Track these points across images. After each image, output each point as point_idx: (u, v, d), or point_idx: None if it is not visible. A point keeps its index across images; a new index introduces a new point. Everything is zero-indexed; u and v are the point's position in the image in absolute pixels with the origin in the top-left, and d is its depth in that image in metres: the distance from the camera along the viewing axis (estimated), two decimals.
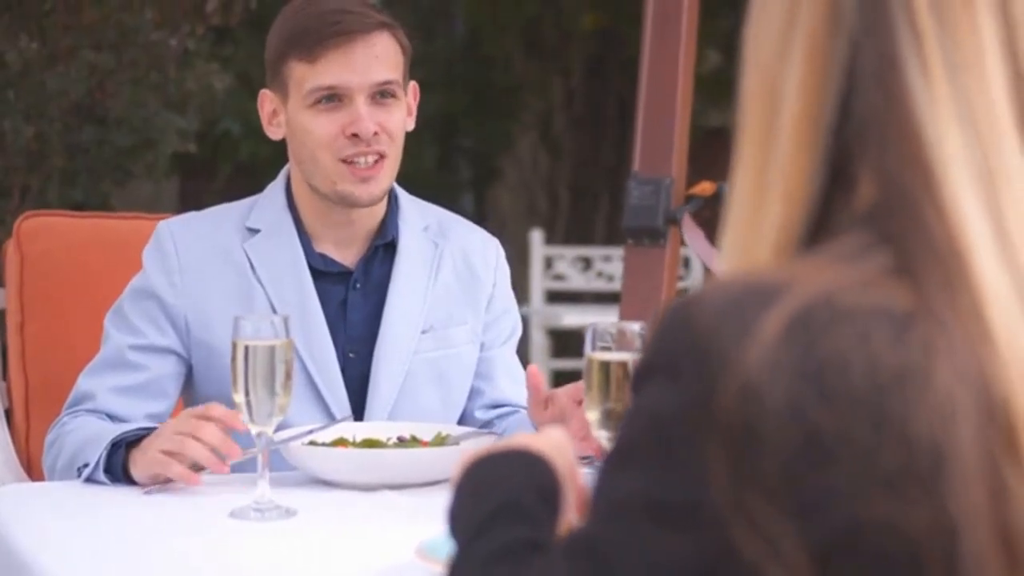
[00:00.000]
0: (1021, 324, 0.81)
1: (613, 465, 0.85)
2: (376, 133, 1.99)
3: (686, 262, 6.77)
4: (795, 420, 0.77)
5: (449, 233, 2.16)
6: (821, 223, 0.87)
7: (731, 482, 0.78)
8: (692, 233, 1.84)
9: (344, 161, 2.00)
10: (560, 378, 6.52)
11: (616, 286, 6.85)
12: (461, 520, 1.04)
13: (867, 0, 0.86)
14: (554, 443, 1.09)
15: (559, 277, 6.95)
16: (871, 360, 0.78)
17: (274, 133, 2.08)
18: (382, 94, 2.01)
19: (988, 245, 0.82)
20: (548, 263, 6.93)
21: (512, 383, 2.16)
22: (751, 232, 0.88)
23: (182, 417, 1.77)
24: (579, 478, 1.10)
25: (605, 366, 1.49)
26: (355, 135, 1.98)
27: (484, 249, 2.19)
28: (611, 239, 8.21)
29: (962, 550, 0.78)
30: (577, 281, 6.97)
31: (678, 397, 0.80)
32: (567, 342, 6.94)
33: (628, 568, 0.81)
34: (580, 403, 1.81)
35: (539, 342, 6.50)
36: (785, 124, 0.87)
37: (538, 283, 6.79)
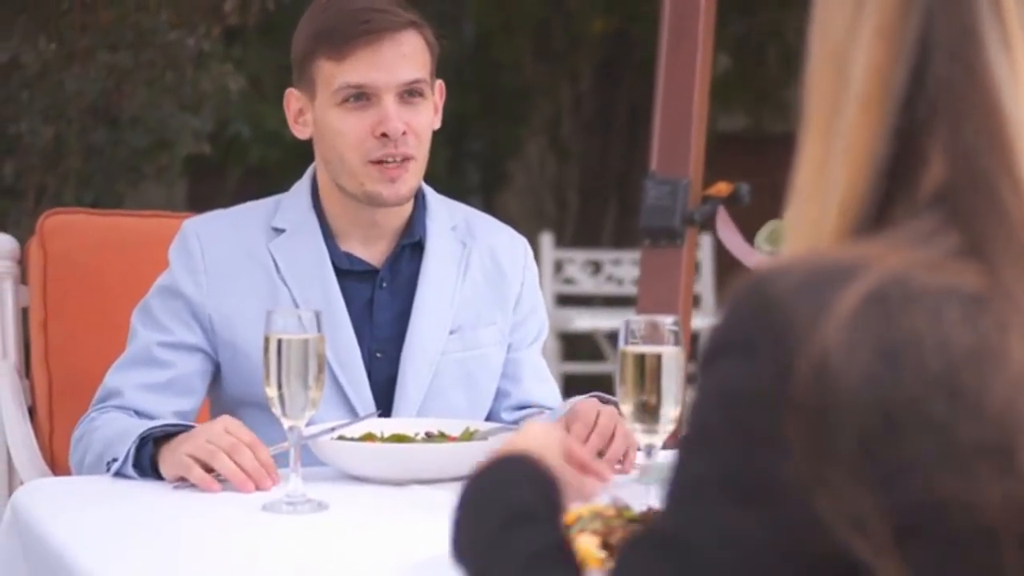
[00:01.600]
0: None
1: (688, 450, 0.85)
2: (405, 133, 1.99)
3: (695, 265, 6.76)
4: (871, 396, 0.78)
5: (477, 232, 2.15)
6: (884, 206, 0.87)
7: (809, 457, 0.78)
8: (726, 229, 1.84)
9: (372, 162, 2.00)
10: (571, 382, 6.52)
11: (625, 290, 6.86)
12: (469, 542, 1.02)
13: None
14: (537, 438, 1.11)
15: (569, 281, 6.94)
16: (943, 339, 0.78)
17: (301, 132, 2.07)
18: (410, 93, 2.01)
19: None
20: (558, 267, 6.93)
21: (539, 384, 2.16)
22: (814, 212, 0.88)
23: (217, 428, 1.76)
24: (567, 467, 1.13)
25: (639, 359, 1.50)
26: (384, 135, 1.98)
27: (512, 248, 2.18)
28: (619, 242, 8.21)
29: None
30: (587, 285, 6.96)
31: (754, 375, 0.80)
32: (577, 346, 6.94)
33: (707, 549, 0.81)
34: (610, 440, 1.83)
35: (549, 346, 6.49)
36: (852, 101, 0.86)
37: (548, 287, 6.79)
